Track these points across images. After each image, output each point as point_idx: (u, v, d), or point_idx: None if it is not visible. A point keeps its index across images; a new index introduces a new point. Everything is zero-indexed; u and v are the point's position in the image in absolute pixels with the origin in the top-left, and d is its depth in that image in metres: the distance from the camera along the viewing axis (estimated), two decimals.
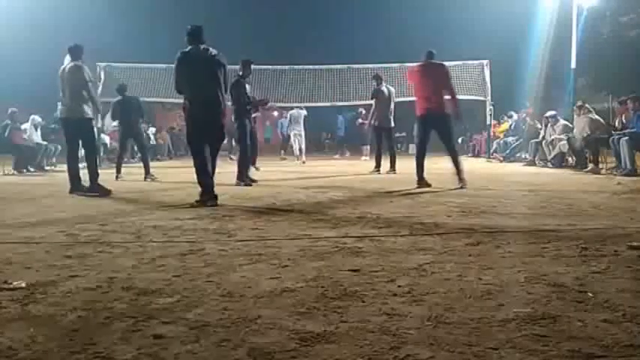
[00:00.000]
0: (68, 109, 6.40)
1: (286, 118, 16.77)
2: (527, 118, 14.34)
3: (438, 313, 1.94)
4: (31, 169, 11.17)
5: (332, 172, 10.59)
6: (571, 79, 14.92)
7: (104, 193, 6.21)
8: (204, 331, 1.80)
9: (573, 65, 14.51)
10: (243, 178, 7.42)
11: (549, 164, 11.14)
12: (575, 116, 11.20)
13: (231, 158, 13.47)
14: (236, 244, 3.25)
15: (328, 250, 3.06)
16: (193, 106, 5.37)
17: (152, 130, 18.93)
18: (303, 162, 14.39)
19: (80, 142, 6.48)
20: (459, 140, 16.94)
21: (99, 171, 6.51)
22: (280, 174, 9.99)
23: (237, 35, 25.39)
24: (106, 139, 14.69)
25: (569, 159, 11.01)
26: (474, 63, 15.36)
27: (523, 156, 13.25)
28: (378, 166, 9.89)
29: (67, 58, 6.41)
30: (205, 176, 5.27)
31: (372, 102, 10.22)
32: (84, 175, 6.41)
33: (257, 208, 5.07)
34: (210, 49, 5.40)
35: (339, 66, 16.20)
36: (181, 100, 5.74)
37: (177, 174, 9.88)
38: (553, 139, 11.20)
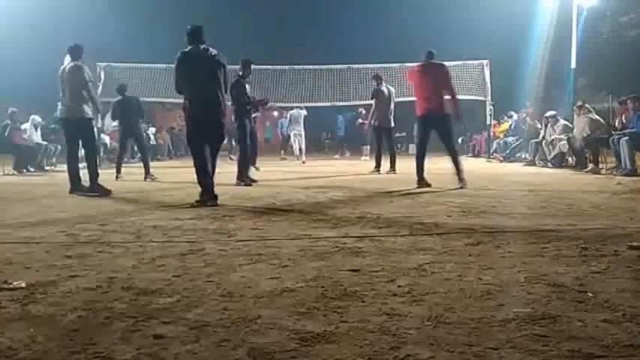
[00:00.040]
0: (68, 109, 6.40)
1: (286, 118, 16.76)
2: (527, 118, 14.34)
3: (438, 313, 1.94)
4: (31, 169, 11.16)
5: (332, 172, 10.58)
6: (571, 79, 14.92)
7: (104, 193, 6.21)
8: (204, 331, 1.80)
9: (573, 65, 14.51)
10: (243, 178, 7.42)
11: (549, 164, 11.13)
12: (575, 116, 11.20)
13: (231, 158, 13.46)
14: (236, 244, 3.25)
15: (328, 250, 3.05)
16: (193, 106, 5.37)
17: (152, 130, 18.93)
18: (303, 162, 14.38)
19: (80, 142, 6.48)
20: (459, 140, 16.94)
21: (99, 171, 6.51)
22: (280, 174, 9.98)
23: (237, 35, 25.43)
24: (106, 139, 14.69)
25: (569, 159, 11.00)
26: (474, 63, 15.36)
27: (523, 156, 13.24)
28: (378, 166, 9.89)
29: (67, 58, 6.41)
30: (205, 176, 5.27)
31: (372, 102, 10.22)
32: (84, 175, 6.41)
33: (257, 208, 5.07)
34: (210, 49, 5.40)
35: (339, 66, 16.19)
36: (181, 100, 5.75)
37: (177, 174, 9.87)
38: (553, 139, 11.20)
